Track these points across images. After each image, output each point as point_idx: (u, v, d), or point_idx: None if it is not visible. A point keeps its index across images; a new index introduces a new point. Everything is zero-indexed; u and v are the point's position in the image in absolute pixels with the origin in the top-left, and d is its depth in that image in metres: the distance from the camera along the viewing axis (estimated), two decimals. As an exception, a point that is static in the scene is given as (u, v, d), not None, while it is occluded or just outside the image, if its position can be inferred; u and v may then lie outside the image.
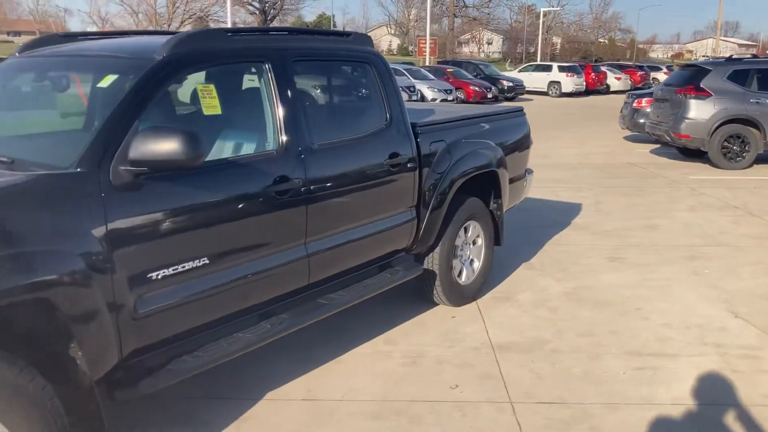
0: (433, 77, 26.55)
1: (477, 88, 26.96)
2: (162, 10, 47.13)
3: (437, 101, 24.95)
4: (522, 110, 6.03)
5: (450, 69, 28.43)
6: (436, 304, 5.11)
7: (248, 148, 3.60)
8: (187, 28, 50.22)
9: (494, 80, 29.08)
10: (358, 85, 4.43)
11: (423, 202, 4.61)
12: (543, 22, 62.46)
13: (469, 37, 76.42)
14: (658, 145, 14.16)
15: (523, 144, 5.87)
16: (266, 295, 3.62)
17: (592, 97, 33.16)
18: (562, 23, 77.91)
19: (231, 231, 3.33)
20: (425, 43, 37.83)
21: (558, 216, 8.09)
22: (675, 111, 11.91)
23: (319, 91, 4.16)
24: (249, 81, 3.74)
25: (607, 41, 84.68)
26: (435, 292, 4.96)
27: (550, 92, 33.08)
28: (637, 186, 10.15)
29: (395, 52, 76.17)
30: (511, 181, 5.65)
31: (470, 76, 28.43)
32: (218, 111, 3.39)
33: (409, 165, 4.42)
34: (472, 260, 5.27)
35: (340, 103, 4.34)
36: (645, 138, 14.73)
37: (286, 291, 3.74)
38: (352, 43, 4.31)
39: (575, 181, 10.51)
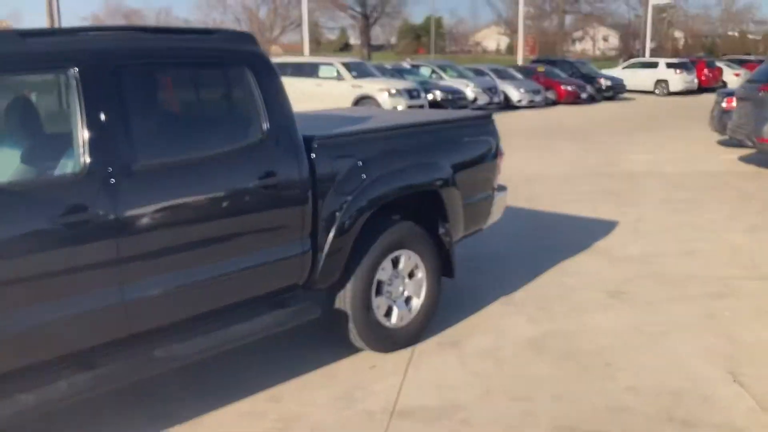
0: (521, 77, 25.22)
1: (569, 88, 25.38)
2: (264, 18, 48.09)
3: (523, 102, 23.70)
4: (489, 117, 5.08)
5: (541, 68, 26.94)
6: (362, 349, 4.30)
7: (32, 172, 2.97)
8: (288, 35, 51.19)
9: (591, 79, 27.27)
10: (222, 92, 3.71)
11: (321, 229, 3.83)
12: (663, 17, 58.92)
13: (581, 34, 73.23)
14: (752, 151, 12.44)
15: (485, 157, 4.93)
16: (58, 350, 2.98)
17: (704, 96, 30.38)
18: (686, 16, 73.15)
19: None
20: (525, 43, 36.41)
21: (581, 236, 7.00)
22: (758, 111, 10.32)
23: (160, 99, 3.47)
24: (47, 91, 3.12)
25: (737, 35, 78.72)
26: (351, 335, 4.16)
27: (657, 91, 30.73)
28: (697, 200, 8.77)
29: (504, 52, 74.27)
30: (469, 202, 4.74)
31: (563, 76, 26.79)
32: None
33: (294, 186, 3.66)
34: (408, 298, 4.41)
35: (191, 113, 3.63)
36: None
37: (93, 344, 3.08)
38: (220, 43, 3.60)
39: (628, 193, 9.26)
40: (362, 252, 4.04)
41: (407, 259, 4.34)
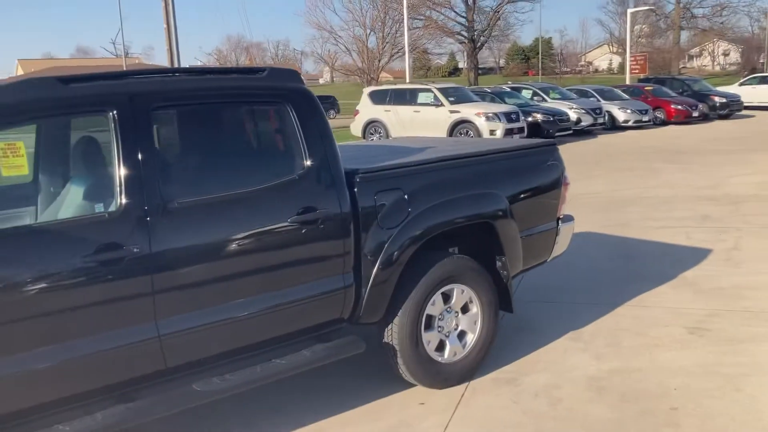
0: (627, 97, 24.36)
1: (679, 107, 24.21)
2: (373, 47, 48.89)
3: (630, 122, 22.90)
4: (553, 146, 4.90)
5: (649, 87, 25.88)
6: (415, 384, 4.22)
7: (68, 212, 3.12)
8: (394, 61, 51.89)
9: (703, 97, 25.92)
10: (262, 130, 3.76)
11: (365, 264, 3.81)
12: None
13: (698, 50, 69.97)
14: None
15: (547, 187, 4.74)
16: (95, 382, 3.09)
17: (834, 111, 28.32)
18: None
19: (17, 310, 2.86)
20: (635, 61, 35.34)
21: (668, 265, 6.61)
22: None
23: (197, 138, 3.55)
24: (86, 133, 3.28)
25: None
26: (400, 370, 4.09)
27: (779, 107, 28.79)
28: (806, 226, 8.09)
29: (616, 71, 72.11)
30: (530, 234, 4.58)
31: (673, 94, 25.63)
32: (24, 171, 2.98)
33: (335, 221, 3.66)
34: (462, 332, 4.29)
35: (228, 151, 3.68)
36: None
37: (129, 377, 3.18)
38: (261, 81, 3.68)
39: (727, 218, 8.67)
40: (409, 286, 3.98)
41: (460, 293, 4.23)
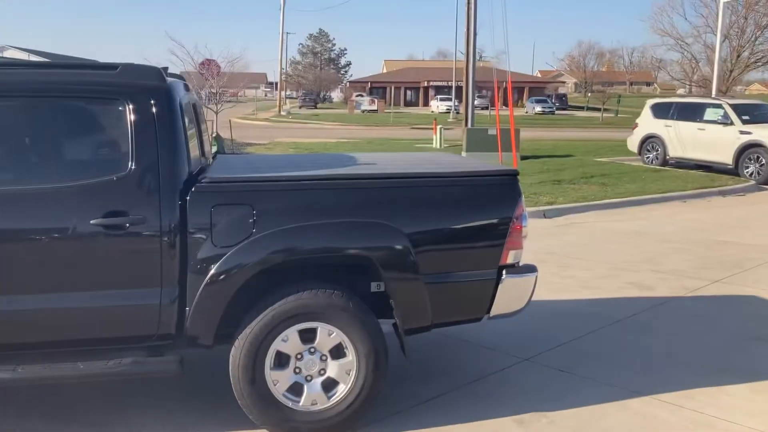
0: None
1: None
2: (725, 55, 43.48)
3: None
4: (509, 176, 3.85)
5: None
6: (270, 425, 3.75)
7: None
8: (750, 73, 45.70)
9: None
10: (88, 127, 3.59)
11: (189, 281, 3.49)
12: None
13: None
14: None
15: (483, 228, 3.77)
16: None
17: None
18: None
19: None
20: None
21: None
22: None
23: (9, 131, 3.52)
24: None
25: None
26: (240, 404, 3.66)
27: None
28: None
29: None
30: (445, 281, 3.73)
31: None
32: None
33: (147, 230, 3.41)
34: (331, 381, 3.68)
35: (35, 146, 3.43)
36: None
37: None
38: (105, 78, 3.55)
39: None
40: (249, 315, 3.55)
41: (326, 334, 3.63)
